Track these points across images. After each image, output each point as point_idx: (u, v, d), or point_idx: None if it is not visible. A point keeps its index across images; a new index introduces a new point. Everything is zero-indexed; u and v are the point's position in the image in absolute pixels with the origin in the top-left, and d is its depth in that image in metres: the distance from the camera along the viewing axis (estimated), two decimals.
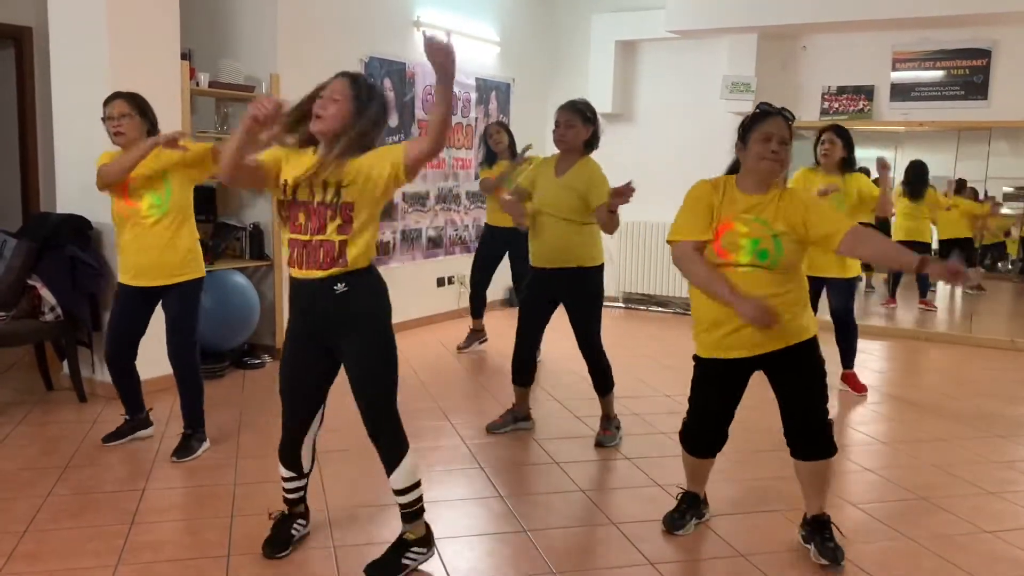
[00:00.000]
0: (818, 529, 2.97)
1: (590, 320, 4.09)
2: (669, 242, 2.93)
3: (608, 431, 4.20)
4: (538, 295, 4.14)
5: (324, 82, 2.70)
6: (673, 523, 3.18)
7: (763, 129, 2.77)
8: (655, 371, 5.68)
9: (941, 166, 7.39)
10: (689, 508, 3.23)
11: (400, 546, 2.82)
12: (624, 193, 3.68)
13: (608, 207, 3.76)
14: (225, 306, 5.22)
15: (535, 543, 3.07)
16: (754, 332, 2.78)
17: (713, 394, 3.00)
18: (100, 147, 4.24)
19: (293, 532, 2.98)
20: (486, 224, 6.15)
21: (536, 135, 8.00)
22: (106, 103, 3.68)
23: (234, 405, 4.70)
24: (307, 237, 2.62)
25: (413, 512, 2.82)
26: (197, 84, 5.15)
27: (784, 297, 2.78)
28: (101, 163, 3.70)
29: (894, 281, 7.82)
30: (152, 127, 3.73)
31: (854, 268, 4.98)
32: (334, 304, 2.64)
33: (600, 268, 4.08)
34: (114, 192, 3.70)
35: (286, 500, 2.99)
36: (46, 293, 4.52)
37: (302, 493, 3.00)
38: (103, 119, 3.68)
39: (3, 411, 4.47)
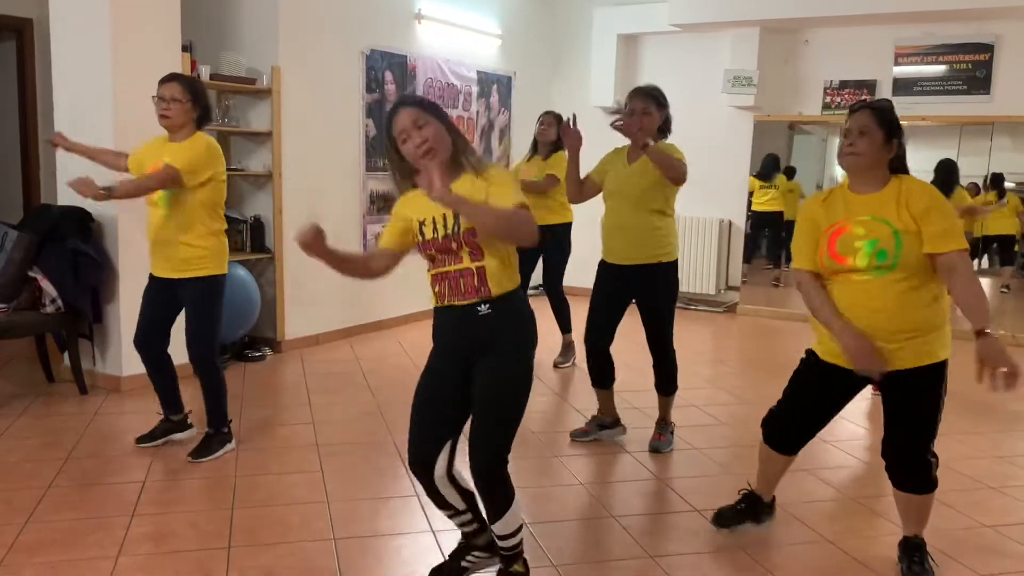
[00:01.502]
0: (909, 550, 2.87)
1: (662, 317, 3.94)
2: (793, 269, 2.84)
3: (663, 436, 4.05)
4: (612, 291, 3.95)
5: (391, 125, 2.45)
6: (719, 518, 3.10)
7: (845, 127, 2.71)
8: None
9: (939, 160, 7.36)
10: (747, 509, 3.11)
11: None
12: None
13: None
14: (226, 299, 5.17)
15: (535, 536, 3.07)
16: (877, 347, 2.63)
17: (812, 391, 2.88)
18: (102, 139, 4.24)
19: (465, 564, 2.73)
20: None
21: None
22: (162, 82, 3.58)
23: (234, 398, 4.68)
24: (447, 269, 2.46)
25: (513, 555, 2.62)
26: (198, 76, 5.14)
27: (912, 312, 2.62)
28: (136, 158, 3.69)
29: None
30: (204, 114, 3.65)
31: None
32: (476, 326, 2.45)
33: (675, 264, 3.91)
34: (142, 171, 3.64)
35: (462, 534, 2.75)
36: (47, 285, 4.52)
37: (475, 526, 2.69)
38: (153, 97, 3.58)
39: (4, 403, 4.48)
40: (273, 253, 5.68)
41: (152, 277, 3.74)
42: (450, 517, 2.68)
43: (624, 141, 3.91)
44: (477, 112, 7.51)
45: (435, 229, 2.45)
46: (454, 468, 2.59)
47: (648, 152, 3.65)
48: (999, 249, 7.56)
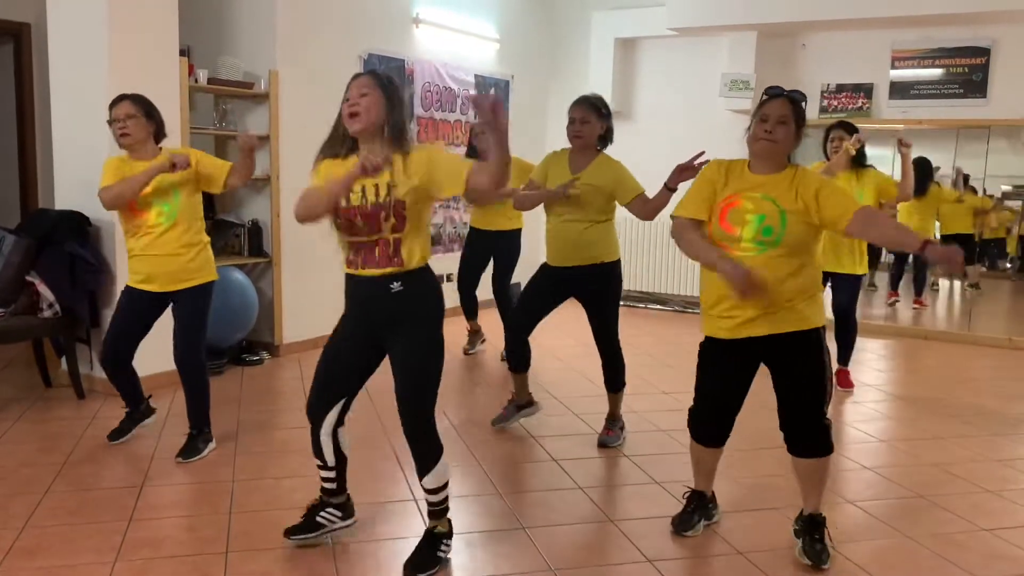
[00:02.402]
0: (809, 528, 2.97)
1: (610, 316, 4.05)
2: (672, 217, 2.98)
3: (612, 431, 4.16)
4: (544, 289, 4.09)
5: (348, 87, 2.69)
6: (682, 524, 3.16)
7: (762, 111, 2.83)
8: (654, 368, 5.68)
9: (940, 164, 7.39)
10: (697, 508, 3.21)
11: (432, 540, 2.86)
12: (693, 168, 3.72)
13: (669, 185, 3.85)
14: (224, 303, 5.19)
15: (533, 541, 3.07)
16: (751, 312, 2.79)
17: (714, 374, 3.00)
18: (99, 144, 4.25)
19: (320, 520, 2.98)
20: (471, 227, 5.97)
21: (535, 132, 8.02)
22: (112, 105, 3.65)
23: (232, 402, 4.70)
24: (363, 239, 2.66)
25: (441, 510, 2.86)
26: (196, 81, 5.15)
27: (789, 282, 2.77)
28: (106, 174, 3.65)
29: (896, 276, 7.80)
30: (158, 129, 3.72)
31: (862, 266, 4.96)
32: (389, 302, 2.68)
33: (618, 263, 4.06)
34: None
35: (322, 488, 3.00)
36: (44, 290, 4.52)
37: (334, 485, 2.98)
38: (108, 122, 3.65)
39: (1, 408, 4.47)
40: (271, 257, 5.68)
41: (136, 292, 3.74)
42: (319, 468, 2.95)
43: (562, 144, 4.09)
44: (475, 116, 7.51)
45: (364, 196, 2.62)
46: (342, 426, 2.89)
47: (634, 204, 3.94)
48: (963, 248, 7.61)
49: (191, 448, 3.81)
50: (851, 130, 4.86)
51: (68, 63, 4.70)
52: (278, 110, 5.56)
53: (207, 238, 3.84)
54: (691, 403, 3.11)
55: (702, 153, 3.69)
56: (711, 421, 3.07)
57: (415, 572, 2.78)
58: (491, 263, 5.90)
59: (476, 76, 7.49)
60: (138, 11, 4.64)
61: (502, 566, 2.89)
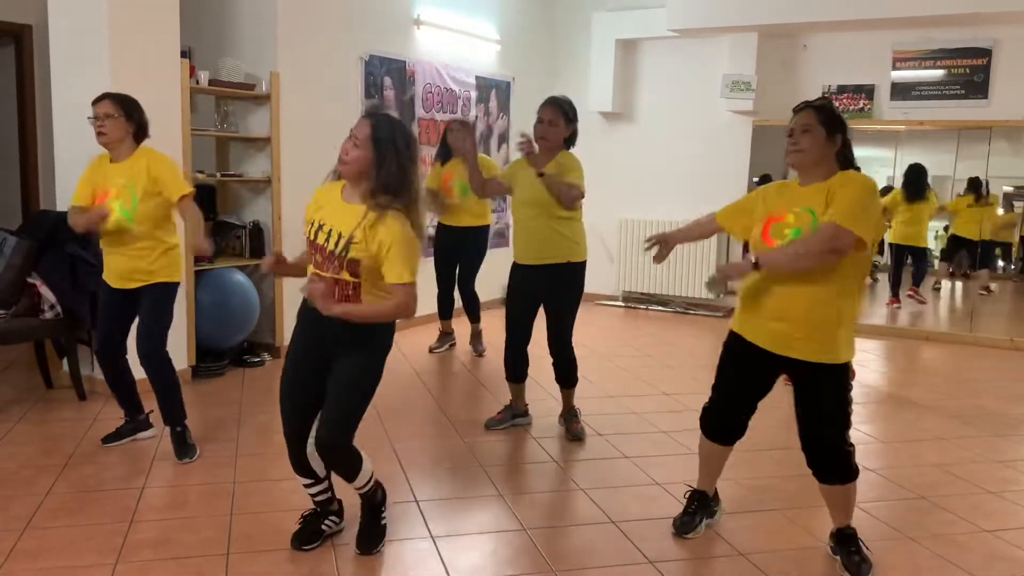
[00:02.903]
0: (843, 542, 2.93)
1: (566, 314, 4.14)
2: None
3: (578, 423, 4.27)
4: (523, 291, 4.17)
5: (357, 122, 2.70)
6: (683, 527, 3.14)
7: (789, 127, 2.81)
8: (655, 370, 5.68)
9: (941, 165, 7.39)
10: (698, 509, 3.19)
11: (373, 512, 2.96)
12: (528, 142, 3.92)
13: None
14: (225, 304, 5.22)
15: (534, 541, 3.07)
16: (780, 329, 2.76)
17: (732, 371, 2.98)
18: (98, 146, 4.22)
19: (324, 528, 3.01)
20: (439, 224, 5.99)
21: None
22: (94, 103, 3.68)
23: (233, 403, 4.70)
24: (323, 273, 2.66)
25: (371, 492, 2.94)
26: (197, 82, 5.15)
27: (821, 303, 2.71)
28: (81, 184, 3.76)
29: (895, 282, 7.80)
30: (139, 129, 3.73)
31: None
32: (337, 329, 2.65)
33: (584, 264, 4.12)
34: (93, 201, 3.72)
35: (315, 503, 3.01)
36: (46, 291, 4.52)
37: (328, 495, 3.00)
38: (88, 118, 3.69)
39: (3, 409, 4.47)
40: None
41: (108, 288, 3.80)
42: (308, 487, 2.95)
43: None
44: (476, 117, 7.51)
45: (328, 239, 2.63)
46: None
47: (544, 180, 3.91)
48: (968, 253, 7.62)
49: (184, 448, 3.82)
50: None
51: (69, 65, 4.70)
52: (279, 111, 5.56)
53: (174, 240, 3.80)
54: (703, 401, 3.10)
55: (526, 141, 3.92)
56: (721, 417, 3.05)
57: (369, 549, 2.92)
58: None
59: (477, 77, 7.49)
60: (139, 13, 4.64)
61: (503, 567, 2.89)
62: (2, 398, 4.67)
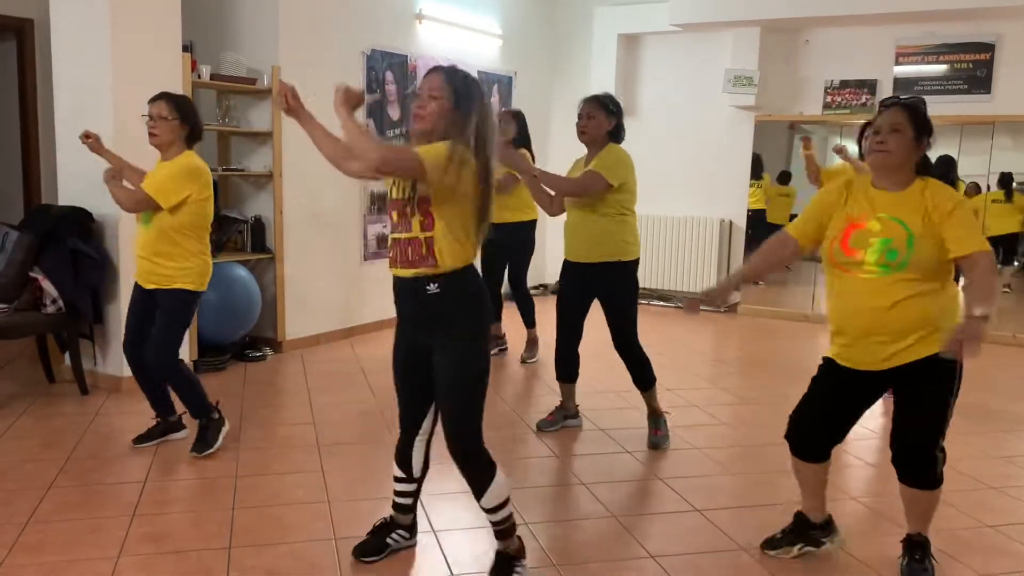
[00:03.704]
0: (911, 547, 2.84)
1: (625, 313, 4.03)
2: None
3: (660, 431, 4.11)
4: (574, 288, 4.06)
5: (423, 78, 2.57)
6: (769, 542, 2.98)
7: (875, 124, 2.67)
8: (657, 365, 5.65)
9: (939, 159, 7.36)
10: (793, 531, 2.97)
11: (504, 563, 2.71)
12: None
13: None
14: (226, 299, 5.22)
15: (536, 536, 3.07)
16: (866, 349, 2.64)
17: (825, 392, 2.82)
18: (101, 138, 4.23)
19: (389, 541, 2.88)
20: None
21: (538, 128, 8.00)
22: (151, 101, 3.63)
23: (235, 398, 4.70)
24: (398, 235, 2.55)
25: (505, 530, 2.70)
26: (199, 76, 5.14)
27: (917, 305, 2.57)
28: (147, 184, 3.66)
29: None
30: (192, 133, 3.67)
31: None
32: (426, 305, 2.53)
33: (636, 263, 4.02)
34: None
35: (394, 504, 2.89)
36: (48, 285, 4.52)
37: (410, 500, 2.87)
38: (143, 116, 3.65)
39: (5, 404, 4.48)
40: (274, 253, 5.68)
41: (136, 285, 3.79)
42: (397, 482, 2.84)
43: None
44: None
45: (399, 189, 2.54)
46: (432, 435, 2.79)
47: (540, 178, 3.93)
48: (1003, 250, 7.56)
49: (203, 441, 3.79)
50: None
51: (71, 59, 4.70)
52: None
53: (201, 247, 3.71)
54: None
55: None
56: (807, 434, 2.86)
57: None
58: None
59: (479, 72, 7.47)
60: (141, 7, 4.64)
61: None
62: (4, 392, 4.67)
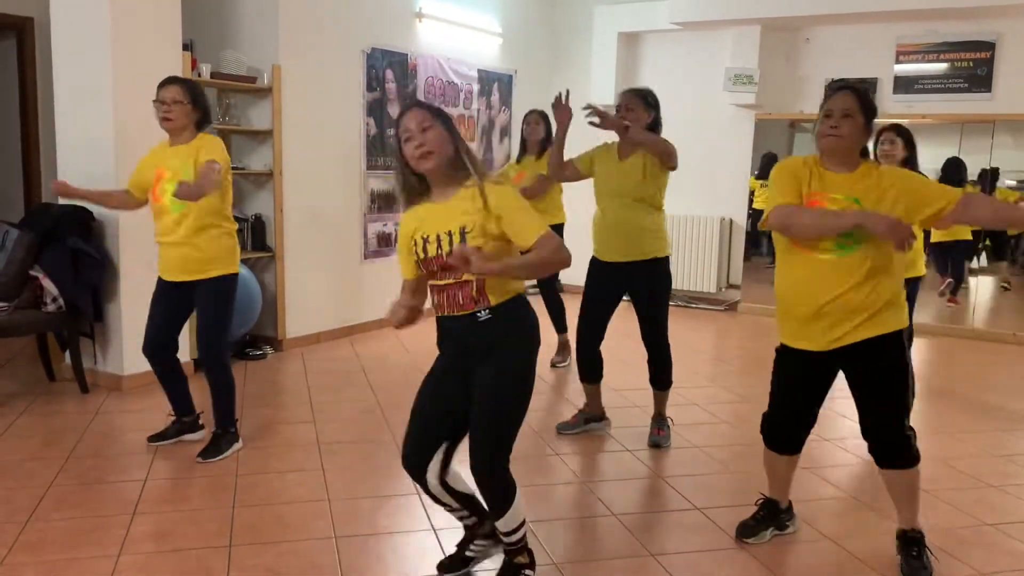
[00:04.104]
0: (907, 544, 2.86)
1: (661, 313, 4.00)
2: (764, 221, 2.74)
3: (662, 431, 4.10)
4: (607, 288, 4.00)
5: (398, 125, 2.46)
6: (745, 530, 3.06)
7: (827, 106, 2.70)
8: None
9: (943, 160, 7.36)
10: (767, 517, 3.08)
11: (512, 569, 2.67)
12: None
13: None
14: None
15: (535, 534, 3.07)
16: (825, 326, 2.68)
17: (787, 381, 2.89)
18: (102, 138, 4.24)
19: (469, 554, 2.80)
20: None
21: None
22: (161, 85, 3.59)
23: (236, 396, 4.69)
24: (447, 282, 2.47)
25: (517, 549, 2.66)
26: (199, 75, 5.14)
27: (867, 287, 2.63)
28: (138, 168, 3.68)
29: (941, 268, 7.63)
30: (204, 116, 3.66)
31: (918, 268, 4.63)
32: (477, 332, 2.47)
33: (667, 260, 3.97)
34: (148, 187, 3.66)
35: (464, 527, 2.81)
36: (48, 284, 4.52)
37: (473, 519, 2.76)
38: (154, 101, 3.59)
39: (6, 402, 4.48)
40: (274, 252, 5.68)
41: (162, 283, 3.72)
42: (448, 511, 2.74)
43: (613, 137, 3.94)
44: (478, 111, 7.51)
45: (439, 247, 2.44)
46: (448, 474, 2.63)
47: (632, 135, 3.78)
48: (994, 246, 7.57)
49: (213, 448, 3.74)
50: (902, 132, 4.49)
51: (71, 58, 4.70)
52: (281, 104, 5.56)
53: (232, 226, 3.71)
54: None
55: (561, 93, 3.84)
56: (786, 427, 2.94)
57: None
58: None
59: (479, 70, 7.48)
60: (141, 6, 4.64)
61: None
62: (5, 391, 4.68)
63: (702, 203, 7.84)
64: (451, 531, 3.08)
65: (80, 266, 4.52)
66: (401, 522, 3.15)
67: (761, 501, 3.13)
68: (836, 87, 2.74)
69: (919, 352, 6.59)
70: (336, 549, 2.93)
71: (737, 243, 7.98)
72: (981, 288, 7.74)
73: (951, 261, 7.56)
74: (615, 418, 4.41)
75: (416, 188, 2.51)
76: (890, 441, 2.77)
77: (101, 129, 4.53)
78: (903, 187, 2.64)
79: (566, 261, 2.39)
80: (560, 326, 5.65)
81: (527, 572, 2.68)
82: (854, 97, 2.67)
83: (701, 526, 3.19)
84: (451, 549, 2.91)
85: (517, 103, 7.95)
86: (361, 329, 6.36)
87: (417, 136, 2.40)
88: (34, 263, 4.53)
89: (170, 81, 3.61)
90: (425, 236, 2.46)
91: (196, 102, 3.61)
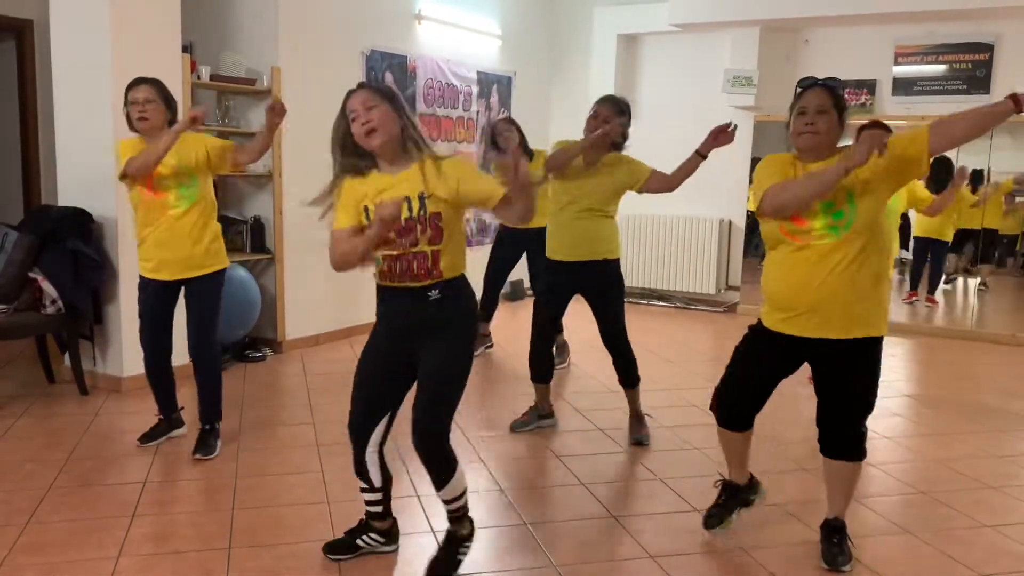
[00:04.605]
0: (830, 532, 2.92)
1: (618, 312, 4.08)
2: (758, 208, 2.77)
3: (644, 429, 4.17)
4: (557, 289, 4.11)
5: (344, 105, 2.57)
6: (710, 520, 3.09)
7: (800, 104, 2.72)
8: (657, 365, 5.68)
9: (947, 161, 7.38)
10: (729, 500, 3.12)
11: (452, 542, 2.79)
12: (727, 133, 4.09)
13: (701, 152, 4.15)
14: (226, 299, 5.18)
15: (535, 536, 3.07)
16: (812, 319, 2.70)
17: (752, 360, 2.91)
18: (102, 140, 4.25)
19: (360, 543, 2.88)
20: (502, 226, 5.82)
21: (538, 128, 8.01)
22: (131, 87, 3.63)
23: (235, 399, 4.70)
24: (399, 252, 2.55)
25: (459, 516, 2.77)
26: (198, 77, 5.15)
27: (859, 278, 2.64)
28: (123, 154, 3.62)
29: (916, 274, 7.72)
30: (173, 116, 3.70)
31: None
32: (427, 310, 2.58)
33: (618, 261, 4.10)
34: (139, 184, 3.61)
35: (366, 512, 2.90)
36: (47, 286, 4.52)
37: (380, 508, 2.86)
38: (126, 104, 3.63)
39: (5, 404, 4.48)
40: (273, 254, 5.68)
41: (151, 282, 3.72)
42: (363, 492, 2.83)
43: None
44: (477, 112, 7.51)
45: (405, 208, 2.52)
46: (386, 444, 2.77)
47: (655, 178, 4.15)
48: (972, 245, 7.61)
49: (206, 444, 3.78)
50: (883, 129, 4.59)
51: (71, 60, 4.70)
52: None
53: (219, 226, 3.82)
54: (705, 397, 3.04)
55: (732, 123, 3.96)
56: (740, 404, 2.98)
57: None
58: (522, 262, 5.83)
59: (478, 72, 7.48)
60: (140, 8, 4.64)
61: (505, 562, 2.89)
62: (4, 393, 4.68)
63: (701, 205, 7.83)
64: None
65: (79, 268, 4.52)
66: (401, 524, 3.14)
67: (720, 485, 3.17)
68: (807, 84, 2.75)
69: (918, 353, 6.60)
70: None
71: (736, 245, 7.98)
72: (970, 288, 7.79)
73: (932, 259, 7.62)
74: (615, 420, 4.42)
75: (359, 157, 2.60)
76: (846, 436, 2.81)
77: (101, 131, 4.53)
78: (893, 141, 2.59)
79: (533, 205, 2.50)
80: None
81: (467, 545, 2.80)
82: (827, 93, 2.69)
83: (700, 527, 3.18)
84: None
85: (517, 105, 7.96)
86: (360, 331, 6.35)
87: (363, 115, 2.50)
88: (33, 265, 4.53)
89: (139, 81, 3.65)
90: (379, 204, 2.52)
91: (167, 101, 3.68)
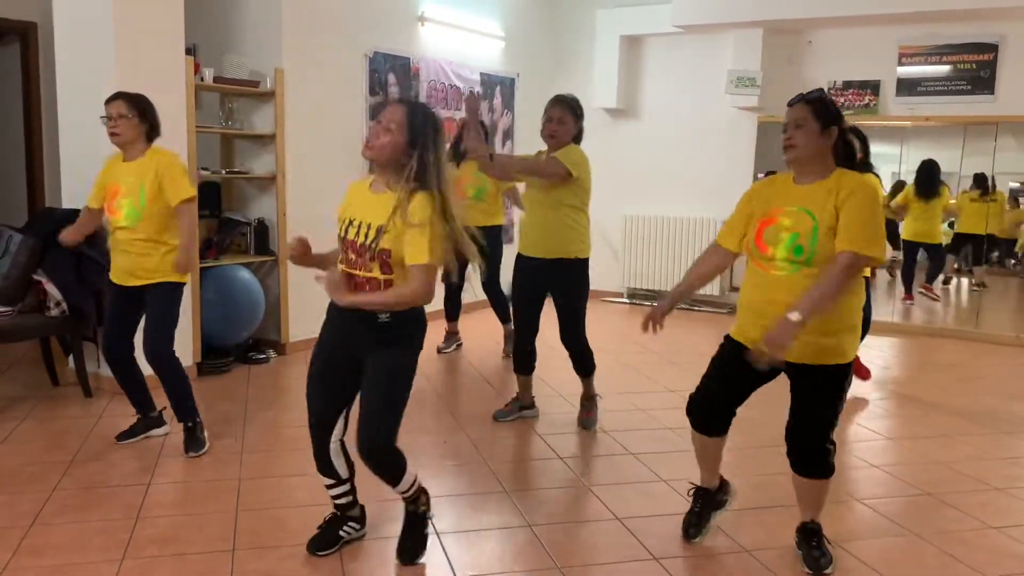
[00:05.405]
0: (807, 536, 2.92)
1: (576, 309, 4.19)
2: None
3: (591, 412, 4.35)
4: (530, 283, 4.21)
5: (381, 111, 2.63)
6: (689, 530, 3.09)
7: (783, 123, 2.75)
8: (659, 366, 5.67)
9: (947, 161, 7.36)
10: (704, 507, 3.12)
11: (416, 523, 2.89)
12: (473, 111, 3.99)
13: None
14: (230, 301, 5.23)
15: (539, 537, 3.07)
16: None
17: (726, 370, 2.90)
18: (105, 143, 4.22)
19: (342, 534, 2.95)
20: None
21: (538, 130, 8.01)
22: (107, 102, 3.69)
23: (239, 400, 4.71)
24: (356, 272, 2.62)
25: (414, 497, 2.86)
26: (202, 79, 5.15)
27: (830, 309, 2.62)
28: (103, 171, 3.78)
29: (908, 279, 7.74)
30: (152, 129, 3.74)
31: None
32: (374, 331, 2.62)
33: (587, 262, 4.16)
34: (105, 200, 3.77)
35: (336, 506, 2.95)
36: (51, 288, 4.53)
37: (350, 498, 2.93)
38: (101, 117, 3.71)
39: (9, 406, 4.49)
40: (277, 255, 5.68)
41: (115, 287, 3.82)
42: (330, 488, 2.87)
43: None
44: (479, 113, 7.50)
45: (358, 233, 2.58)
46: (346, 434, 2.81)
47: (499, 161, 4.14)
48: (974, 248, 7.61)
49: (194, 441, 3.84)
50: (858, 134, 4.42)
51: (74, 62, 4.71)
52: (283, 108, 5.56)
53: (175, 242, 3.75)
54: (692, 391, 3.02)
55: (472, 90, 3.90)
56: (714, 410, 2.97)
57: (412, 559, 2.85)
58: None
59: (481, 74, 7.48)
60: (144, 10, 4.65)
61: (508, 563, 2.89)
62: (8, 395, 4.68)
63: (704, 206, 7.82)
64: (453, 535, 3.08)
65: (83, 270, 4.52)
66: (390, 515, 3.14)
67: (692, 493, 3.18)
68: (791, 102, 2.77)
69: (919, 353, 6.58)
70: (339, 553, 2.92)
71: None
72: (967, 287, 7.79)
73: (928, 257, 7.62)
74: (619, 422, 4.41)
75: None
76: (810, 448, 2.80)
77: (104, 134, 4.52)
78: (849, 216, 2.58)
79: (427, 300, 2.55)
80: (504, 317, 5.89)
81: (430, 515, 2.92)
82: (806, 106, 2.70)
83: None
84: (454, 552, 2.92)
85: (520, 106, 7.96)
86: None
87: (378, 129, 2.55)
88: (37, 267, 4.54)
89: (115, 96, 3.70)
90: (352, 218, 2.61)
91: (143, 115, 3.70)
